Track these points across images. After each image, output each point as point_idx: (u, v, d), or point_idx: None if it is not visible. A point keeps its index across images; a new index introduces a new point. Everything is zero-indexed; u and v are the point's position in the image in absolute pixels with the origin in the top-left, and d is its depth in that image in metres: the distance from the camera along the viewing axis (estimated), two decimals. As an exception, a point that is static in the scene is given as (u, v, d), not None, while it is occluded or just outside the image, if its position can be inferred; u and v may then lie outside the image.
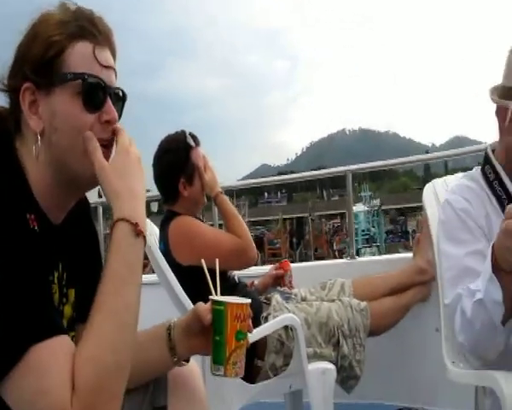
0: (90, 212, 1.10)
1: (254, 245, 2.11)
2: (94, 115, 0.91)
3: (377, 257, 3.20)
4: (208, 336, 0.98)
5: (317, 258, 33.48)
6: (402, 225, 53.94)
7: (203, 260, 1.13)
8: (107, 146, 0.93)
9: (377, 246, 38.85)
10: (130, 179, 0.91)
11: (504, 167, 1.45)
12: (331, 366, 1.90)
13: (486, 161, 1.50)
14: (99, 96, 0.92)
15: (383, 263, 2.76)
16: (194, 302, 1.22)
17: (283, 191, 77.80)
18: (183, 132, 2.19)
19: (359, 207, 46.89)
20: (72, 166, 0.91)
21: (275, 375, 1.89)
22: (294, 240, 37.88)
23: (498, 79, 1.48)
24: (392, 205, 57.58)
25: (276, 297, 2.16)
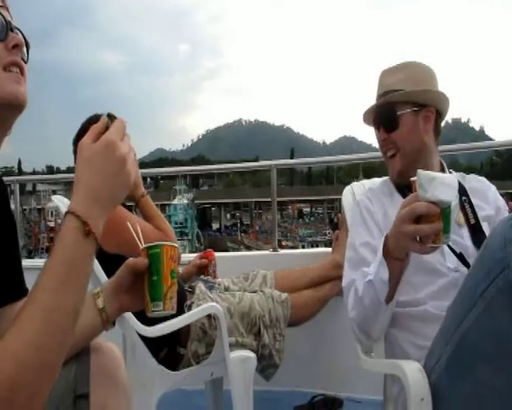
0: (6, 192, 1.06)
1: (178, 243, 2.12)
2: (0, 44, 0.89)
3: (299, 250, 3.34)
4: (136, 292, 1.04)
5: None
6: (242, 219, 56.98)
7: (129, 224, 1.17)
8: (21, 72, 0.91)
9: (189, 240, 40.20)
10: (100, 180, 0.85)
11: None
12: (252, 355, 1.95)
13: None
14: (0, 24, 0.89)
15: (304, 256, 2.86)
16: None
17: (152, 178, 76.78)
18: (104, 115, 2.13)
19: (175, 201, 47.65)
20: None
21: (197, 363, 1.91)
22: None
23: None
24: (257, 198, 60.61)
25: (200, 286, 2.17)
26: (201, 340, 1.95)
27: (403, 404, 1.40)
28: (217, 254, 2.51)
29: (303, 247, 38.49)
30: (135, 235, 1.13)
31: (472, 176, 1.77)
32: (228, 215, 63.37)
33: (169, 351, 1.91)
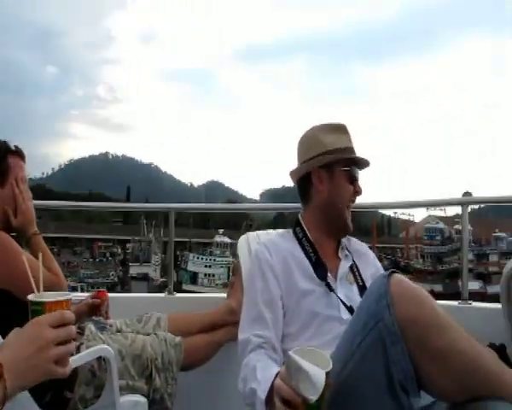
0: None
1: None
2: None
3: (194, 295, 3.33)
4: None
5: None
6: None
7: (27, 266, 1.15)
8: None
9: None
10: (20, 353, 0.96)
11: (310, 226, 1.84)
12: (143, 399, 1.90)
13: (297, 224, 1.87)
14: None
15: (199, 301, 2.88)
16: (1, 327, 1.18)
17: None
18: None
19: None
20: None
21: (84, 407, 1.81)
22: None
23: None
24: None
25: (90, 327, 2.09)
26: (90, 383, 1.86)
27: None
28: (111, 294, 2.44)
29: (82, 288, 37.56)
30: (32, 281, 1.12)
31: (355, 240, 1.96)
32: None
33: (54, 395, 1.80)
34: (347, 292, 1.73)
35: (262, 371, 1.46)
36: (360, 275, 1.82)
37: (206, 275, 46.34)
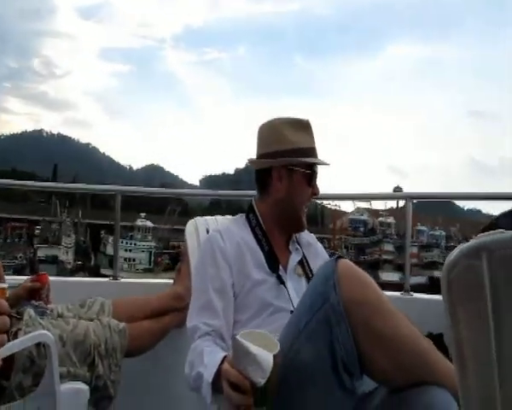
0: None
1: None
2: None
3: (139, 280, 3.26)
4: None
5: None
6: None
7: None
8: None
9: None
10: None
11: (264, 217, 1.83)
12: (84, 387, 1.84)
13: (251, 210, 1.86)
14: None
15: (144, 286, 2.83)
16: None
17: None
18: None
19: None
20: None
21: (21, 396, 1.73)
22: None
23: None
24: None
25: (29, 311, 2.00)
26: (28, 371, 1.78)
27: None
28: (52, 278, 2.34)
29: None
30: None
31: (305, 231, 1.96)
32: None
33: None
34: (296, 285, 1.76)
35: (209, 356, 1.45)
36: (309, 267, 1.85)
37: (126, 259, 44.52)
